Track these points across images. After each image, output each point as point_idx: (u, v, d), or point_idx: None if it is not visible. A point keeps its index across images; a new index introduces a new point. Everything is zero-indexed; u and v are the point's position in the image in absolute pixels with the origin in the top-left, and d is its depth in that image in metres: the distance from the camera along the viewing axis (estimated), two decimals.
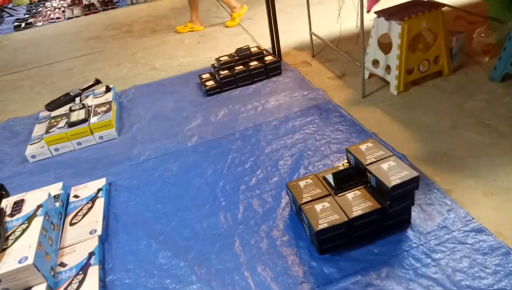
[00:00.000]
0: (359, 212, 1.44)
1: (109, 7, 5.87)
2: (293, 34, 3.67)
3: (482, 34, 2.55)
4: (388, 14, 2.36)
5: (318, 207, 1.49)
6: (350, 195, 1.53)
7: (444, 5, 2.36)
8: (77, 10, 5.96)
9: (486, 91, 2.30)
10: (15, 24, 5.73)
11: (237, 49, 2.99)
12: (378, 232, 1.49)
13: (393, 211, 1.47)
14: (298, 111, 2.46)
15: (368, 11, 2.07)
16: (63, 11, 6.09)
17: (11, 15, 6.50)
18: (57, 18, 5.81)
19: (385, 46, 2.51)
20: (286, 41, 3.51)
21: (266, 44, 3.52)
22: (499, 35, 2.52)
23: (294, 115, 2.43)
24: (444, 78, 2.51)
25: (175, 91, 3.04)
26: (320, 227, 1.41)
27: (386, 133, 2.11)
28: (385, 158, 1.56)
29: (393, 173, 1.46)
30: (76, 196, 1.95)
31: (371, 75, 2.68)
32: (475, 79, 2.43)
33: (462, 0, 3.60)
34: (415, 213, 1.57)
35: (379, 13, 2.41)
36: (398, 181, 1.42)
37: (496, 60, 2.35)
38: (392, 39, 2.37)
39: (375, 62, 2.59)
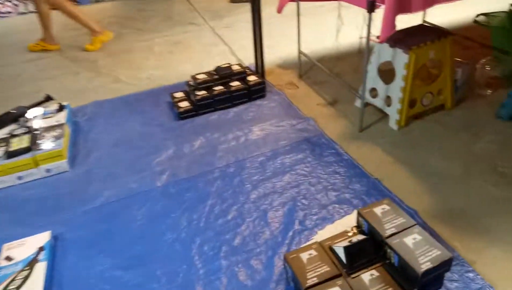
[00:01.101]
0: None
1: None
2: (276, 49, 3.35)
3: (487, 66, 2.34)
4: (392, 40, 2.08)
5: None
6: (366, 276, 1.22)
7: (453, 34, 2.12)
8: (31, 5, 5.33)
9: (494, 131, 2.08)
10: None
11: (217, 67, 2.63)
12: None
13: None
14: (287, 145, 2.14)
15: (382, 41, 1.80)
16: (16, 5, 5.44)
17: None
18: (8, 12, 5.17)
19: (385, 74, 2.25)
20: (269, 57, 3.17)
21: (247, 59, 3.18)
22: (504, 68, 2.32)
23: (282, 149, 2.11)
24: (446, 112, 2.27)
25: (143, 111, 2.63)
26: None
27: (391, 179, 1.83)
28: (408, 228, 1.26)
29: (421, 252, 1.17)
30: (8, 258, 1.51)
31: (366, 104, 2.40)
32: (480, 115, 2.21)
33: (459, 23, 3.43)
34: None
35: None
36: (429, 266, 1.13)
37: (505, 97, 2.14)
38: (396, 69, 2.10)
39: (373, 91, 2.31)
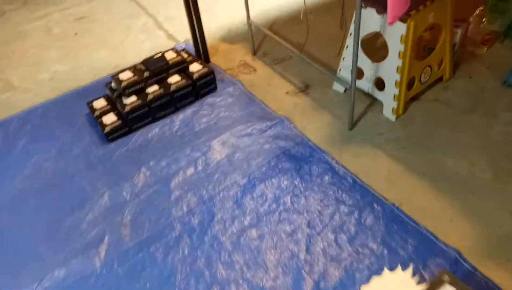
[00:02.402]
0: None
1: None
2: (215, 13, 2.62)
3: (483, 20, 1.91)
4: (380, 4, 1.54)
5: None
6: None
7: None
8: None
9: (508, 105, 1.70)
10: None
11: (145, 60, 1.93)
12: None
13: None
14: (263, 164, 1.61)
15: (391, 23, 1.27)
16: None
17: None
18: None
19: (368, 46, 1.74)
20: (208, 26, 2.44)
21: (179, 32, 2.47)
22: (503, 20, 1.91)
23: (258, 173, 1.58)
24: (445, 86, 1.85)
25: (53, 135, 1.90)
26: None
27: (410, 200, 1.41)
28: None
29: None
30: None
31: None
32: (484, 85, 1.82)
33: None
34: None
35: (367, 1, 1.58)
36: None
37: (504, 54, 1.76)
38: (389, 44, 1.59)
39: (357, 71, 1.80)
